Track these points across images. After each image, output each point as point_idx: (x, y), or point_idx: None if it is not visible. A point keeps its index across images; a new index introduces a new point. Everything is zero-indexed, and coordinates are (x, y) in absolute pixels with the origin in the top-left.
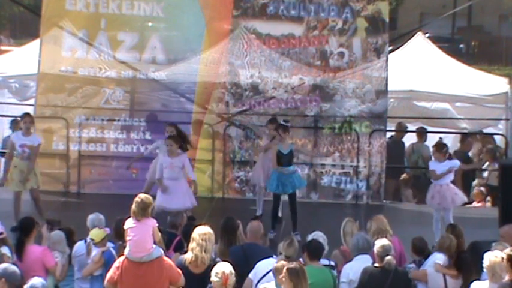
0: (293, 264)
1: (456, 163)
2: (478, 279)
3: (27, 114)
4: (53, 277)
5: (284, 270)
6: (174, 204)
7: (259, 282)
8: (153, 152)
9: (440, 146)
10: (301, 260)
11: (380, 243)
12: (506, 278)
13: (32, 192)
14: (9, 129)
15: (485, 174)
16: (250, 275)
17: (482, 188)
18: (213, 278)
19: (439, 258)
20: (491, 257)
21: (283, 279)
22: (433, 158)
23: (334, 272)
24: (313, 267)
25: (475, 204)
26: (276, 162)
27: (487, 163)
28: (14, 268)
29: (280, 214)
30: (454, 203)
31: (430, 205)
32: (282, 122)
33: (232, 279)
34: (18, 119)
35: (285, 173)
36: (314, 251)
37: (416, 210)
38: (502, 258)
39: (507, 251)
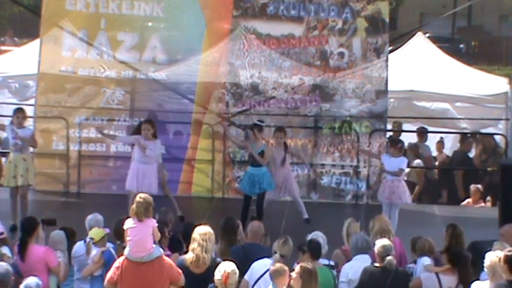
0: (308, 264)
1: (403, 161)
2: (478, 279)
3: (20, 109)
4: (56, 277)
5: (298, 268)
6: (142, 187)
7: (255, 283)
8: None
9: (395, 141)
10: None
11: (381, 243)
12: (504, 278)
13: (20, 189)
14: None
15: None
16: (246, 276)
17: (479, 186)
18: (216, 276)
19: (425, 261)
20: (492, 257)
21: (295, 275)
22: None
23: (334, 272)
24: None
25: (468, 200)
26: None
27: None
28: (6, 268)
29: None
30: (401, 200)
31: (379, 199)
32: (256, 122)
33: (234, 279)
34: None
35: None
36: (315, 250)
37: (416, 210)
38: (500, 258)
39: (505, 251)
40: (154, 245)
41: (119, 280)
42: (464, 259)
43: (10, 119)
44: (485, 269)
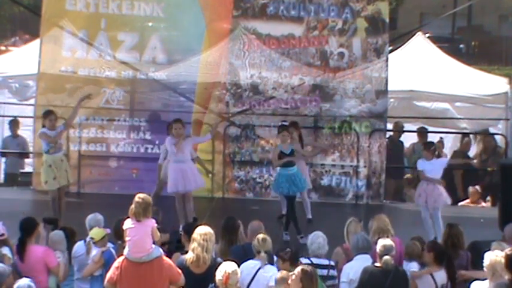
0: (308, 268)
1: (444, 161)
2: (478, 279)
3: (51, 112)
4: (55, 277)
5: (298, 270)
6: (188, 186)
7: (248, 286)
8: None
9: (429, 145)
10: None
11: (382, 242)
12: (506, 277)
13: (58, 191)
14: (9, 130)
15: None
16: None
17: (477, 187)
18: (217, 276)
19: (412, 266)
20: (492, 257)
21: (294, 278)
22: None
23: (328, 271)
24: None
25: (467, 201)
26: (276, 160)
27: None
28: (2, 269)
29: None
30: (436, 203)
31: (416, 204)
32: (282, 123)
33: (235, 279)
34: (18, 119)
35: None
36: (295, 256)
37: (416, 210)
38: (502, 257)
39: (506, 251)
40: (153, 245)
41: (118, 280)
42: (448, 256)
43: (9, 119)
44: (484, 268)
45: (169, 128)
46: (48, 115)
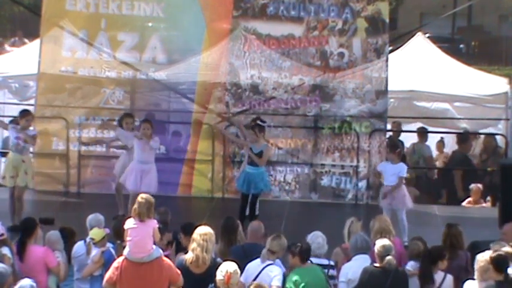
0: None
1: (403, 168)
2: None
3: (28, 112)
4: (55, 277)
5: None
6: (144, 187)
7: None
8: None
9: (394, 147)
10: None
11: (381, 243)
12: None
13: (16, 190)
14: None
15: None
16: (242, 278)
17: (479, 185)
18: (218, 276)
19: (409, 265)
20: (481, 258)
21: None
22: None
23: (327, 271)
24: (304, 268)
25: (469, 200)
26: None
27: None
28: (2, 270)
29: (257, 212)
30: (402, 206)
31: (380, 205)
32: (258, 122)
33: (236, 279)
34: (18, 118)
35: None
36: (304, 254)
37: (416, 210)
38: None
39: (491, 252)
40: (154, 246)
41: (118, 280)
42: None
43: (9, 119)
44: (475, 270)
45: (120, 121)
46: (25, 115)
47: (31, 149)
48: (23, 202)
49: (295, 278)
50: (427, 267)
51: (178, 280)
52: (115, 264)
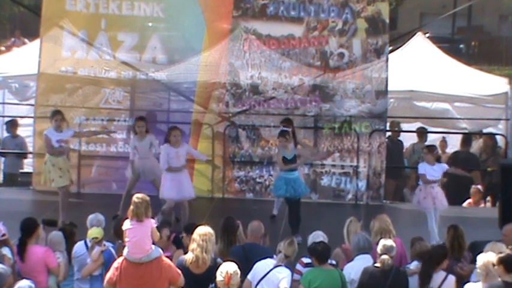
0: None
1: (445, 167)
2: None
3: (58, 112)
4: (55, 277)
5: None
6: (182, 194)
7: (258, 283)
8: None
9: (431, 149)
10: (303, 259)
11: (383, 242)
12: (499, 279)
13: (62, 189)
14: (6, 131)
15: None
16: (249, 276)
17: (479, 187)
18: (218, 277)
19: (412, 265)
20: (484, 258)
21: None
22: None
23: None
24: (321, 269)
25: (469, 201)
26: (283, 166)
27: None
28: (2, 270)
29: (275, 212)
30: (442, 206)
31: (422, 207)
32: (283, 129)
33: (236, 279)
34: (16, 119)
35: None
36: (322, 253)
37: (416, 210)
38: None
39: (498, 253)
40: (153, 246)
41: (117, 281)
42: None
43: (7, 120)
44: (477, 270)
45: (167, 136)
46: (53, 115)
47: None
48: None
49: (309, 277)
50: (428, 267)
51: (178, 280)
52: (115, 264)
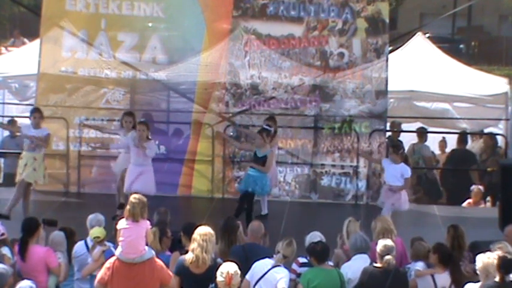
0: None
1: (407, 170)
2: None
3: (37, 110)
4: (56, 277)
5: None
6: (140, 188)
7: (256, 283)
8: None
9: (397, 147)
10: (298, 259)
11: (383, 242)
12: (496, 279)
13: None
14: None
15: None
16: (247, 276)
17: (480, 187)
18: (218, 277)
19: (418, 265)
20: (484, 259)
21: None
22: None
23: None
24: (320, 268)
25: (469, 201)
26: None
27: None
28: (2, 270)
29: (266, 211)
30: (405, 206)
31: (379, 205)
32: (265, 126)
33: (237, 279)
34: (15, 119)
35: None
36: (321, 253)
37: (416, 210)
38: (494, 259)
39: (498, 254)
40: (146, 247)
41: (109, 281)
42: (453, 259)
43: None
44: (477, 270)
45: (121, 120)
46: (33, 112)
47: (43, 150)
48: (29, 200)
49: (308, 276)
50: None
51: (169, 281)
52: (107, 264)
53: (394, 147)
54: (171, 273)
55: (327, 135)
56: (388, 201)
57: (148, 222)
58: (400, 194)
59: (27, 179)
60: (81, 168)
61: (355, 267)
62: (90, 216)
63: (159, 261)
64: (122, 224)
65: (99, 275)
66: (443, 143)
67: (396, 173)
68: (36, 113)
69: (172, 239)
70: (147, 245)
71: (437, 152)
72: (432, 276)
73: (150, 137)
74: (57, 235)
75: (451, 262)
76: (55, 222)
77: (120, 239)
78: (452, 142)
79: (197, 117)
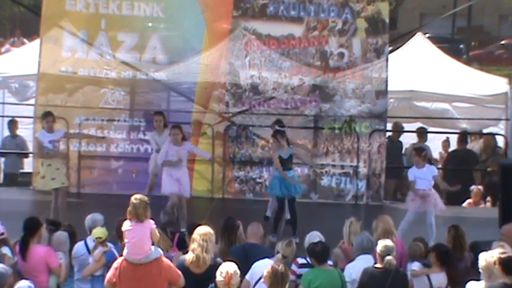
0: (278, 267)
1: (434, 169)
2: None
3: (49, 113)
4: (56, 277)
5: (269, 268)
6: (176, 189)
7: (256, 283)
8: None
9: (420, 150)
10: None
11: (383, 243)
12: (500, 280)
13: (60, 190)
14: (7, 130)
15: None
16: (247, 277)
17: (480, 187)
18: (218, 277)
19: (414, 265)
20: (487, 258)
21: (265, 274)
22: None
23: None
24: (321, 269)
25: (469, 201)
26: (280, 167)
27: None
28: (2, 270)
29: (288, 216)
30: (435, 208)
31: (409, 207)
32: (277, 128)
33: (236, 279)
34: (16, 119)
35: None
36: (321, 253)
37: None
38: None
39: (498, 253)
40: (152, 247)
41: (117, 281)
42: (450, 258)
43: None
44: (480, 270)
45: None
46: (45, 116)
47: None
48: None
49: (309, 277)
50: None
51: (178, 280)
52: (115, 264)
53: (416, 150)
54: (179, 273)
55: (327, 135)
56: (413, 204)
57: (152, 221)
58: (428, 195)
59: (57, 184)
60: (81, 168)
61: (359, 267)
62: (88, 217)
63: (166, 261)
64: (126, 225)
65: (108, 275)
66: (446, 143)
67: (424, 175)
68: (50, 116)
69: (178, 237)
70: (153, 244)
71: (438, 152)
72: (428, 276)
73: (185, 138)
74: (61, 235)
75: (448, 261)
76: (58, 223)
77: (125, 240)
78: (452, 142)
79: (197, 117)
